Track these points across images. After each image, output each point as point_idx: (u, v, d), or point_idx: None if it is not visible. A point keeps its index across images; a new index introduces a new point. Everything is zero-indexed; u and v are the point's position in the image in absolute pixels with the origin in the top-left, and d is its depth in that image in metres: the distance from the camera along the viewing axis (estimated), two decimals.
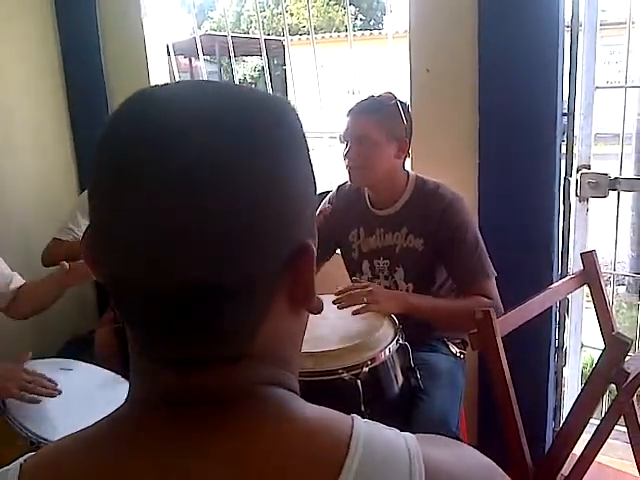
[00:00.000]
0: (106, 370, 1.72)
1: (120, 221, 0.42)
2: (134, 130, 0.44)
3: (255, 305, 0.46)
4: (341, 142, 1.80)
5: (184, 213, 0.41)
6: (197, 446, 0.44)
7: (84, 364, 1.74)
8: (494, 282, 1.74)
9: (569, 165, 2.02)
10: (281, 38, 12.62)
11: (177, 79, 3.80)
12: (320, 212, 1.82)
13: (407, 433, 0.48)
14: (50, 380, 1.53)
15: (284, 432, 0.45)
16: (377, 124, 1.72)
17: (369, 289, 1.62)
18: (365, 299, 1.59)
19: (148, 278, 0.42)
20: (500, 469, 0.50)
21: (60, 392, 1.52)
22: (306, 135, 0.50)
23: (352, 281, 1.80)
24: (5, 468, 0.48)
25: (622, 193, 2.08)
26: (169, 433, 0.46)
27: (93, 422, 0.50)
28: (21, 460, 0.48)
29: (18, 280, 1.87)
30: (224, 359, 0.46)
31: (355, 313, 1.57)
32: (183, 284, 0.42)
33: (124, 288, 0.44)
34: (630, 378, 1.43)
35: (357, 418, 0.48)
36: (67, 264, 1.71)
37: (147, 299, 0.43)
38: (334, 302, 1.59)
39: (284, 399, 0.48)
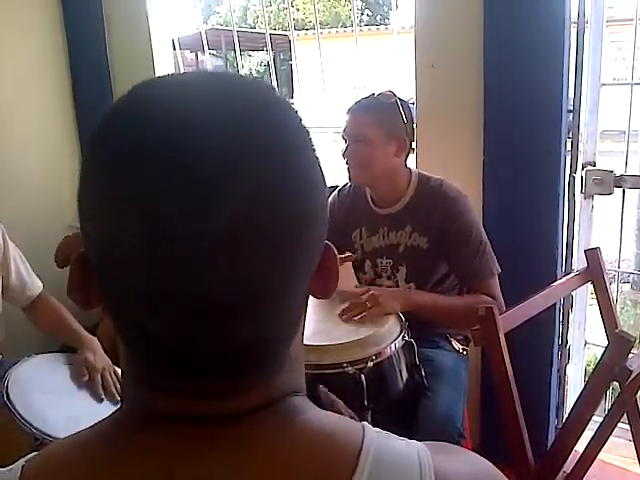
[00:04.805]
0: None
1: (166, 235, 0.39)
2: (171, 137, 0.40)
3: (299, 309, 0.47)
4: (345, 141, 1.79)
5: (261, 216, 0.40)
6: (202, 460, 0.43)
7: None
8: (497, 280, 1.74)
9: (574, 162, 2.01)
10: (287, 33, 12.60)
11: None
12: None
13: (420, 444, 0.47)
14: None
15: (294, 444, 0.45)
16: (374, 123, 1.71)
17: (370, 293, 1.62)
18: (368, 304, 1.60)
19: (222, 291, 0.40)
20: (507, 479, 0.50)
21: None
22: (309, 130, 0.49)
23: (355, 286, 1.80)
24: (7, 468, 0.47)
25: (627, 190, 2.07)
26: (175, 446, 0.44)
27: (95, 417, 0.49)
28: (22, 462, 0.47)
29: (36, 286, 1.85)
30: (259, 383, 0.46)
31: (360, 320, 1.58)
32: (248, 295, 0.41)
33: (167, 306, 0.40)
34: (633, 376, 1.43)
35: (368, 428, 0.47)
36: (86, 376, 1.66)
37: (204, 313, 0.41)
38: (339, 315, 1.60)
39: (298, 409, 0.47)
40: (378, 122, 1.71)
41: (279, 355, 0.46)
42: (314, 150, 0.46)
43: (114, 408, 0.49)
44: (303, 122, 0.46)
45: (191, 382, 0.44)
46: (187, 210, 0.38)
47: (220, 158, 0.39)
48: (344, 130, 1.76)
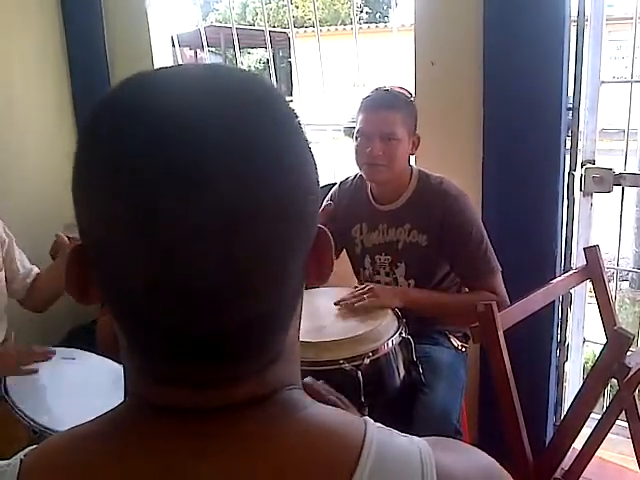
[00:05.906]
0: (108, 359, 1.73)
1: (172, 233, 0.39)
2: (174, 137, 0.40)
3: (295, 293, 0.47)
4: (355, 138, 1.75)
5: (257, 204, 0.41)
6: (203, 452, 0.44)
7: (87, 353, 1.75)
8: (500, 277, 1.73)
9: (574, 160, 2.01)
10: (286, 30, 12.59)
11: None
12: (322, 209, 1.74)
13: (421, 439, 0.47)
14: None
15: (295, 437, 0.45)
16: (402, 121, 1.69)
17: (369, 287, 1.65)
18: (365, 297, 1.62)
19: (221, 276, 0.40)
20: (509, 474, 0.50)
21: (54, 352, 1.60)
22: (309, 127, 0.50)
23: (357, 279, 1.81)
24: (4, 463, 0.46)
25: (626, 188, 2.07)
26: (177, 439, 0.44)
27: (94, 411, 0.49)
28: (21, 455, 0.47)
29: (35, 273, 1.90)
30: (258, 369, 0.46)
31: (356, 312, 1.60)
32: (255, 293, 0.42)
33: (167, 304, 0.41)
34: (631, 373, 1.43)
35: (370, 423, 0.47)
36: (63, 236, 1.74)
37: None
38: (335, 304, 1.62)
39: (297, 402, 0.47)
40: (404, 120, 1.70)
41: (276, 339, 0.47)
42: (305, 138, 0.47)
43: (115, 400, 0.49)
44: (296, 113, 0.47)
45: (191, 369, 0.44)
46: (184, 201, 0.39)
47: (217, 149, 0.40)
48: (365, 127, 1.70)
